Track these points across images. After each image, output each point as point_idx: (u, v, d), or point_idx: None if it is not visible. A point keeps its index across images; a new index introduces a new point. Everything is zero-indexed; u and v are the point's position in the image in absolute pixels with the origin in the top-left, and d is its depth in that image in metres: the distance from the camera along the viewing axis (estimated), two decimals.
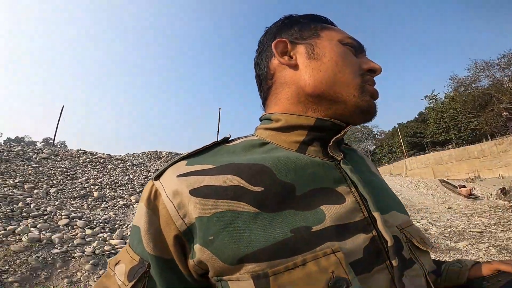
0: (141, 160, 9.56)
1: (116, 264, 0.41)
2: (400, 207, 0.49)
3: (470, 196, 12.76)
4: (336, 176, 0.43)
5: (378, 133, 48.22)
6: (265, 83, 0.52)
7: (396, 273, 0.37)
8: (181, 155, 0.43)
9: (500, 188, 12.11)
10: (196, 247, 0.36)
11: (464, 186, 14.87)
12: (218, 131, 14.29)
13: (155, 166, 9.03)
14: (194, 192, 0.37)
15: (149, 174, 7.85)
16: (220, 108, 15.13)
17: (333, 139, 0.44)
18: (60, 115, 13.80)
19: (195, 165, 0.40)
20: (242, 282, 0.33)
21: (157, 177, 0.41)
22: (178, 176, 0.39)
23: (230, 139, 0.49)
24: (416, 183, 17.80)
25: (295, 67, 0.48)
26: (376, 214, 0.39)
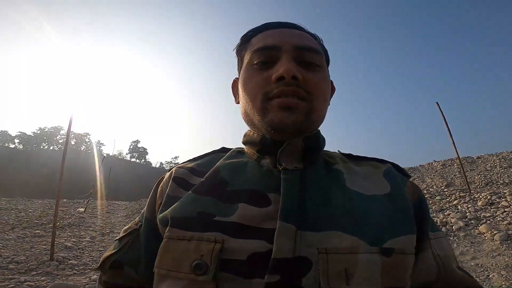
0: None
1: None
2: (362, 231, 0.39)
3: None
4: (273, 183, 0.44)
5: None
6: None
7: None
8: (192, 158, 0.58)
9: None
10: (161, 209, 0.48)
11: None
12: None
13: None
14: (174, 179, 0.51)
15: None
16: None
17: (278, 152, 0.45)
18: None
19: (189, 164, 0.54)
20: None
21: (170, 170, 0.55)
22: (177, 167, 0.53)
23: (228, 148, 0.59)
24: None
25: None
26: (280, 224, 0.38)
